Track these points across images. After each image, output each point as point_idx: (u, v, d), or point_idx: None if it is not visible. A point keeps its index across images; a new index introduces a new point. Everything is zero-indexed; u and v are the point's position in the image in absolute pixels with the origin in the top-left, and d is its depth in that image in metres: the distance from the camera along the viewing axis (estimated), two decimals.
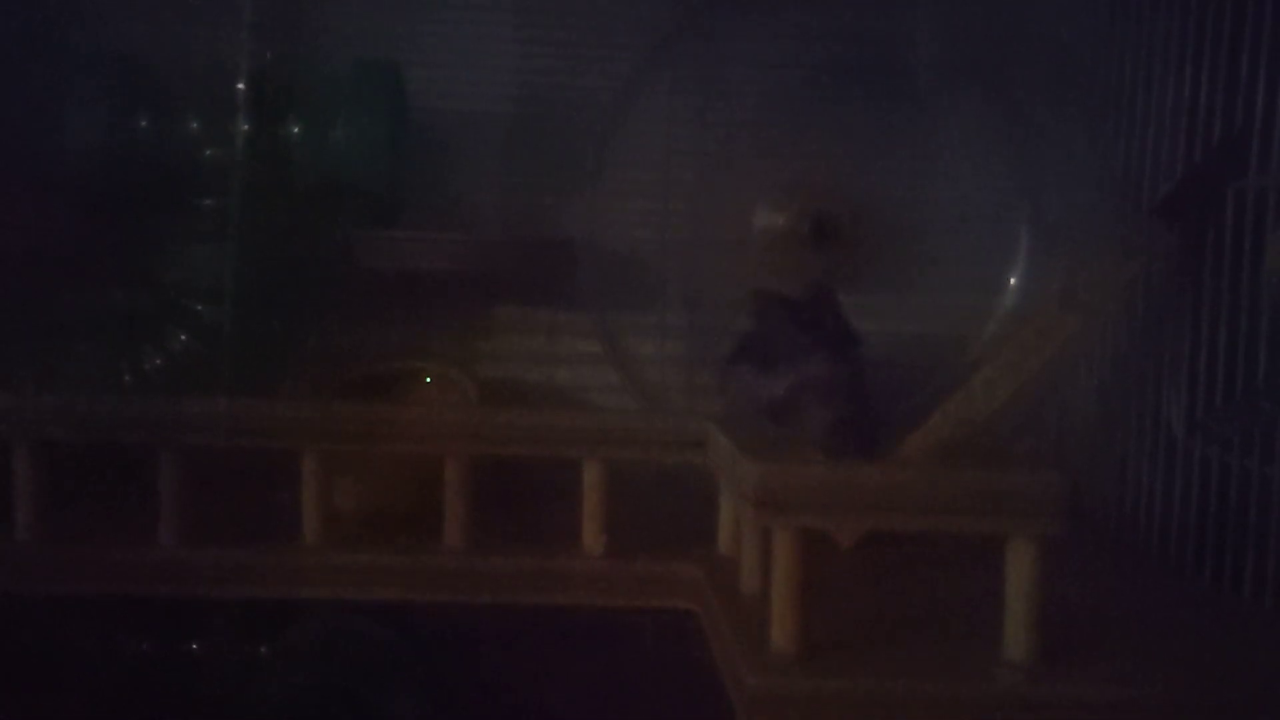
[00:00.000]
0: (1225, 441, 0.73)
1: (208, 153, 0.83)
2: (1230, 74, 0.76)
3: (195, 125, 0.84)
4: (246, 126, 0.82)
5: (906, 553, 0.69)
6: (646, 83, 0.93)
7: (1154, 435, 0.81)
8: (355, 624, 0.79)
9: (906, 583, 0.69)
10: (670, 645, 0.71)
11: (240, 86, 0.83)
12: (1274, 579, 0.68)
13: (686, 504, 0.75)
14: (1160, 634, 0.65)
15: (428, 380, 0.85)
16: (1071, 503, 0.56)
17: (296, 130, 0.85)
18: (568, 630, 0.75)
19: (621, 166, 0.93)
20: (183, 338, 0.83)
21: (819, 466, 0.58)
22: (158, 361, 0.82)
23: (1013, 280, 0.94)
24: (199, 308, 0.83)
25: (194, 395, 0.77)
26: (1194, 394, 0.77)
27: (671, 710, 0.77)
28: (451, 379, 0.85)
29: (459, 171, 0.93)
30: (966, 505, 0.56)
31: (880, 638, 0.60)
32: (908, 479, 0.57)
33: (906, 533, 0.58)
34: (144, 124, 0.84)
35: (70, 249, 0.83)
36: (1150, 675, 0.58)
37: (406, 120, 0.87)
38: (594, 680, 0.77)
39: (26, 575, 0.70)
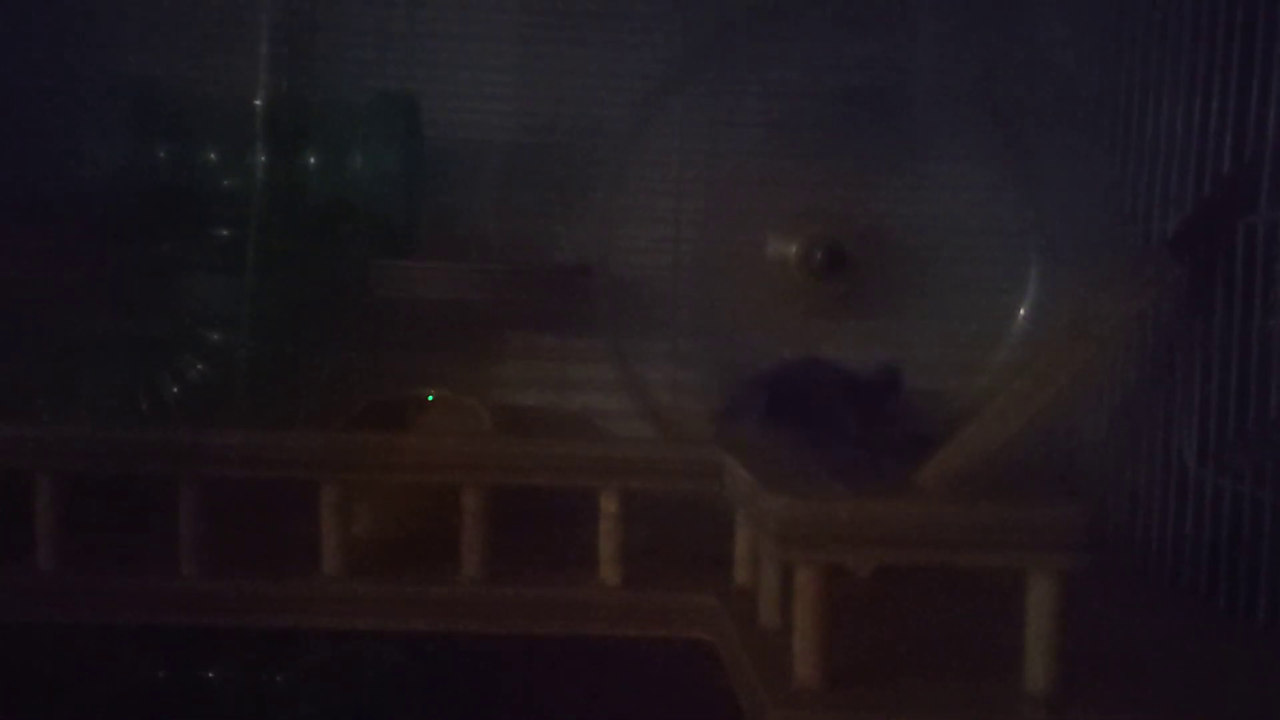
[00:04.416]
0: (1237, 472, 0.74)
1: (225, 182, 0.84)
2: (1240, 105, 0.76)
3: (212, 154, 0.84)
4: (263, 156, 0.83)
5: (923, 581, 0.70)
6: (658, 111, 0.94)
7: (1165, 465, 0.81)
8: (369, 651, 0.79)
9: (924, 612, 0.69)
10: (687, 676, 0.71)
11: (257, 116, 0.83)
12: None
13: (700, 531, 0.76)
14: (1177, 663, 0.65)
15: (443, 407, 0.86)
16: (1091, 535, 0.57)
17: (313, 160, 0.85)
18: (583, 659, 0.75)
19: (633, 194, 0.94)
20: (199, 366, 0.83)
21: (841, 501, 0.58)
22: (175, 390, 0.83)
23: (1022, 310, 0.95)
24: (215, 336, 0.83)
25: (211, 424, 0.78)
26: (1205, 425, 0.77)
27: None
28: (467, 406, 0.85)
29: (472, 200, 0.94)
30: (988, 539, 0.57)
31: (900, 669, 0.61)
32: (929, 513, 0.57)
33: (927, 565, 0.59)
34: (162, 153, 0.84)
35: (88, 277, 0.83)
36: (1169, 705, 0.59)
37: (422, 150, 0.88)
38: (610, 710, 0.77)
39: (47, 604, 0.70)
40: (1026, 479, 0.76)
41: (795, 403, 0.73)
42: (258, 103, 0.84)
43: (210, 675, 0.76)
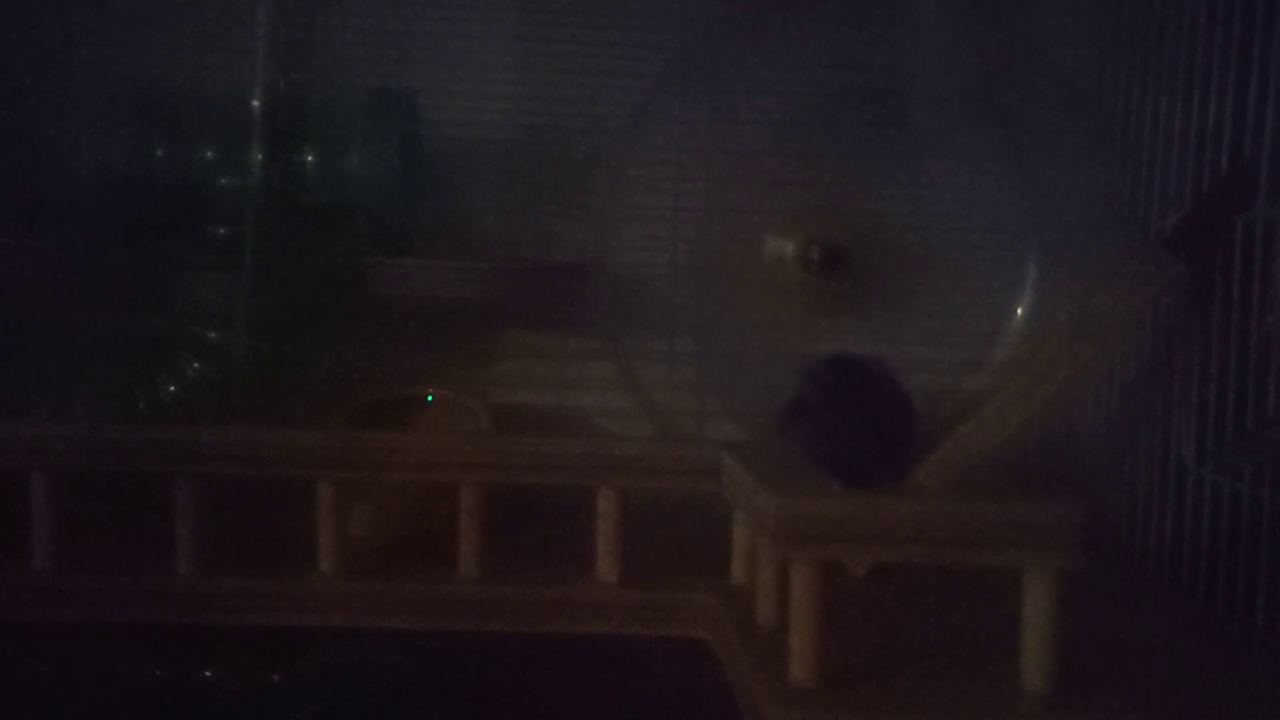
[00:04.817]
0: (1236, 470, 0.74)
1: (223, 181, 0.84)
2: (1238, 102, 0.76)
3: (210, 153, 0.84)
4: (261, 155, 0.83)
5: (919, 580, 0.70)
6: (656, 109, 0.94)
7: (1164, 464, 0.81)
8: (367, 650, 0.79)
9: (921, 610, 0.69)
10: (684, 674, 0.71)
11: (255, 114, 0.83)
12: None
13: (698, 529, 0.76)
14: (1174, 663, 0.65)
15: (441, 406, 0.85)
16: (1089, 534, 0.57)
17: (311, 159, 0.85)
18: (580, 658, 0.75)
19: (631, 193, 0.94)
20: (196, 365, 0.83)
21: (838, 498, 0.58)
22: (172, 388, 0.82)
23: (1021, 308, 0.95)
24: (213, 335, 0.83)
25: (208, 422, 0.78)
26: (1204, 423, 0.77)
27: None
28: (464, 405, 0.85)
29: (469, 198, 0.94)
30: (986, 537, 0.57)
31: (897, 668, 0.61)
32: (928, 511, 0.57)
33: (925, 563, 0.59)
34: (159, 151, 0.84)
35: (85, 276, 0.83)
36: (1166, 705, 0.59)
37: (421, 149, 0.87)
38: (607, 708, 0.77)
39: (43, 603, 0.70)
40: (1025, 477, 0.76)
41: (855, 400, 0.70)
42: (256, 102, 0.83)
43: (207, 674, 0.76)
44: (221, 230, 0.83)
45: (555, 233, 0.95)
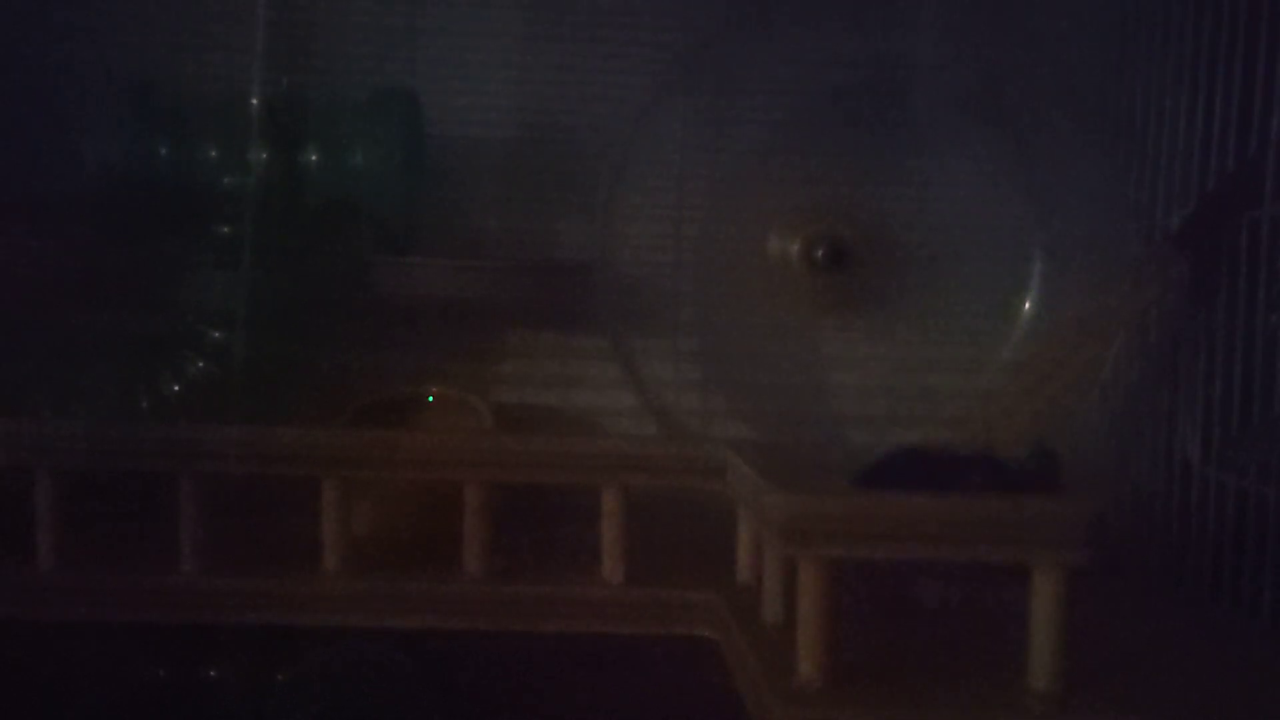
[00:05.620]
0: (1241, 468, 0.74)
1: (224, 179, 0.84)
2: (1243, 100, 0.76)
3: (212, 151, 0.84)
4: (263, 153, 0.83)
5: (925, 578, 0.70)
6: (659, 107, 0.93)
7: (1169, 462, 0.81)
8: (367, 650, 0.79)
9: (927, 609, 0.69)
10: (690, 674, 0.71)
11: (256, 112, 0.83)
12: None
13: (703, 529, 0.75)
14: (1182, 662, 0.65)
15: (444, 405, 0.85)
16: (1095, 531, 0.56)
17: (313, 157, 0.85)
18: (586, 657, 0.75)
19: (634, 191, 0.93)
20: (199, 363, 0.83)
21: (844, 496, 0.58)
22: (174, 387, 0.82)
23: (1026, 307, 0.94)
24: (215, 333, 0.83)
25: (211, 420, 0.77)
26: (1209, 421, 0.77)
27: None
28: (468, 404, 0.85)
29: (472, 197, 0.93)
30: (993, 533, 0.56)
31: (904, 667, 0.60)
32: (934, 508, 0.57)
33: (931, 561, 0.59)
34: (161, 150, 0.84)
35: (87, 275, 0.83)
36: (1174, 704, 0.59)
37: (423, 147, 0.87)
38: (612, 708, 0.77)
39: (47, 602, 0.70)
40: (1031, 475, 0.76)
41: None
42: (256, 100, 0.83)
43: (209, 673, 0.76)
44: (223, 229, 0.83)
45: (558, 231, 0.95)
